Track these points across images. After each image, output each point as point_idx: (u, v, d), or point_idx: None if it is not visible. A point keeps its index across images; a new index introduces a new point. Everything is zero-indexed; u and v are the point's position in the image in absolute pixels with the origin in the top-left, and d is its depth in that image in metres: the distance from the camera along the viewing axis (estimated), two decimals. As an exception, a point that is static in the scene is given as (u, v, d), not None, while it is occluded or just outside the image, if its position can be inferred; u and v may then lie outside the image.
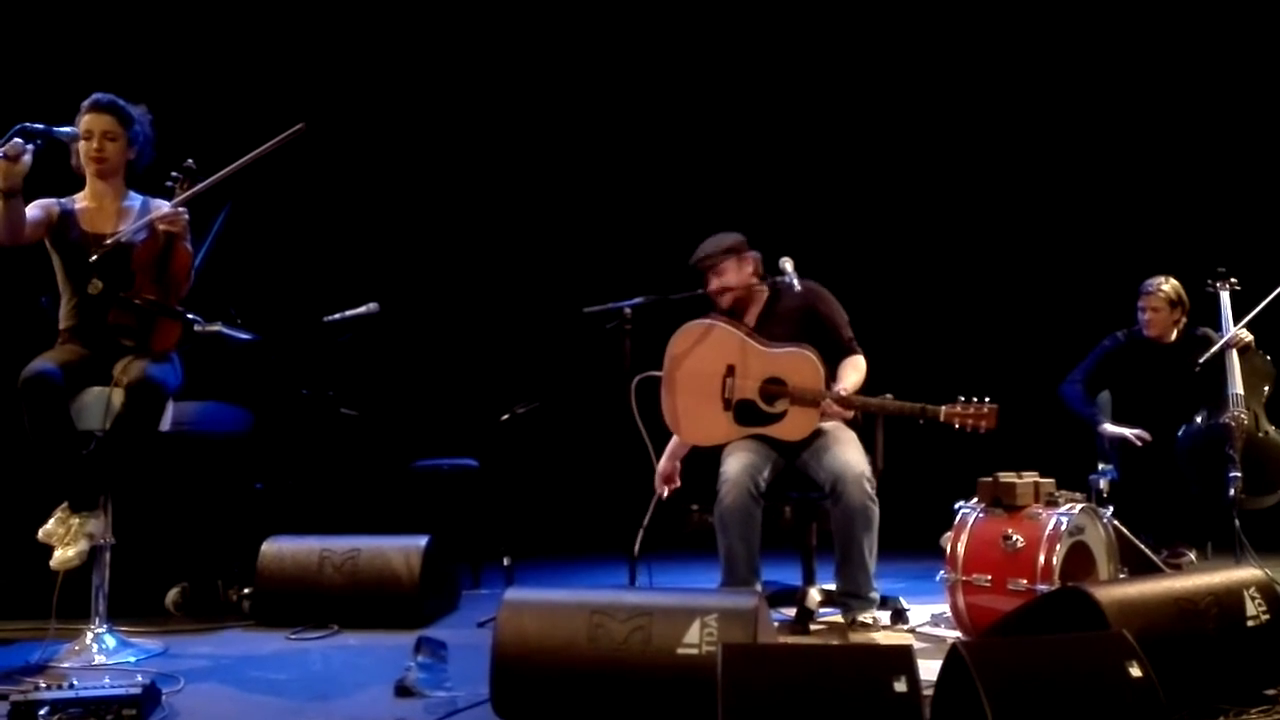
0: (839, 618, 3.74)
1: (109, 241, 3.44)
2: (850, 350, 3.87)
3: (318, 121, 3.64)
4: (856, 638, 3.59)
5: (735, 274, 3.88)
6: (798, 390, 3.69)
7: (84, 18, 5.31)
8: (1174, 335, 4.79)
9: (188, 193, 3.44)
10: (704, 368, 3.79)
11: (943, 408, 3.50)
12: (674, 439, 3.94)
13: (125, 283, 3.44)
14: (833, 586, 3.76)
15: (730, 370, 3.77)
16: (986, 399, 3.47)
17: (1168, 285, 4.74)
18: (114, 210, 3.58)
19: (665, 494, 3.93)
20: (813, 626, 3.74)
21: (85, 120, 3.51)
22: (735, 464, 3.65)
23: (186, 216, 3.47)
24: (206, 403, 4.23)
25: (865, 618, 3.66)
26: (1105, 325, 4.93)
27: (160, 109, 3.70)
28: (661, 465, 3.92)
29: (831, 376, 3.76)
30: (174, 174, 3.47)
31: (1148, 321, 4.76)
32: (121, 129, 3.54)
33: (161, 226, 3.43)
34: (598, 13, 6.20)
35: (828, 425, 3.76)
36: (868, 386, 3.81)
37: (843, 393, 3.66)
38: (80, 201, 3.58)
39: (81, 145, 3.53)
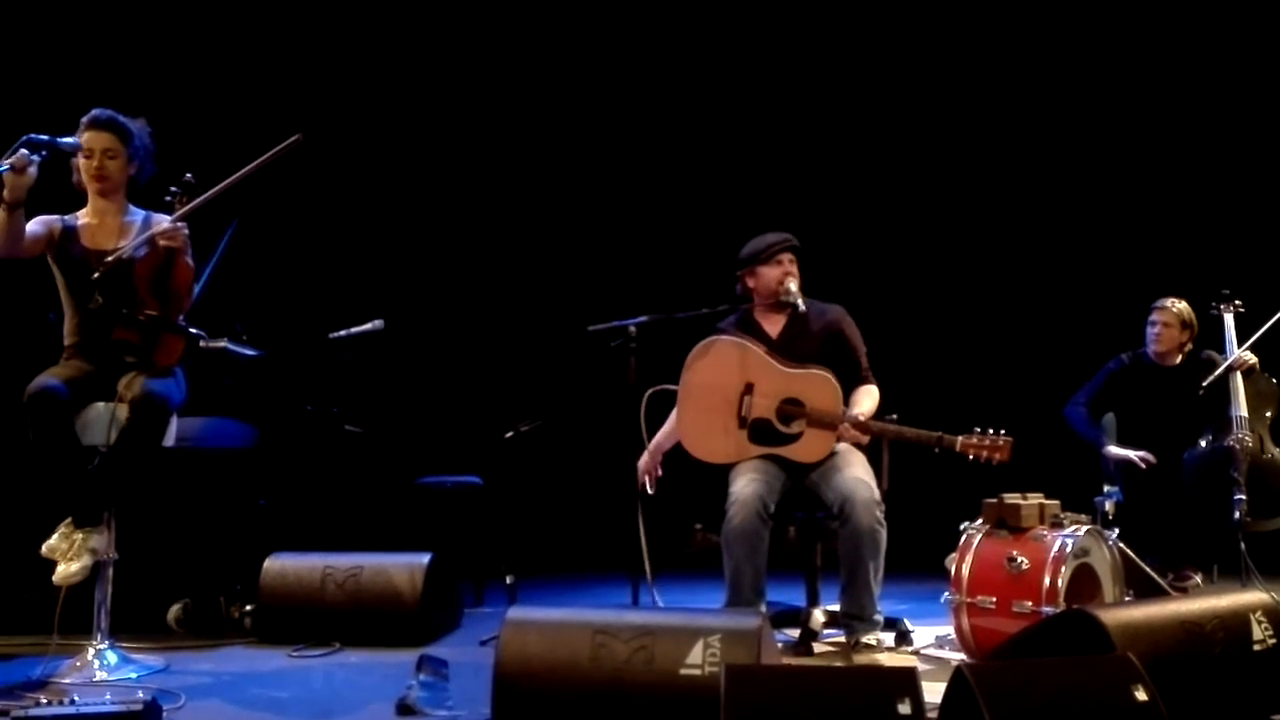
0: (843, 639, 3.73)
1: (110, 258, 3.44)
2: (866, 379, 3.89)
3: (323, 139, 3.66)
4: (860, 659, 3.57)
5: (794, 270, 3.87)
6: (815, 412, 3.68)
7: (83, 30, 5.34)
8: (1179, 358, 4.78)
9: (187, 207, 3.43)
10: (721, 384, 3.77)
11: (959, 438, 3.51)
12: (660, 433, 3.93)
13: (128, 299, 3.45)
14: (837, 607, 3.75)
15: (749, 388, 3.76)
16: (1002, 431, 3.49)
17: (1181, 304, 4.75)
18: (115, 226, 3.58)
19: (649, 487, 3.88)
20: (816, 648, 3.73)
21: (85, 138, 3.51)
22: (745, 485, 3.63)
23: (186, 231, 3.47)
24: (211, 418, 4.23)
25: (869, 639, 3.64)
26: (1110, 348, 4.93)
27: (160, 123, 3.71)
28: (644, 460, 3.88)
29: (844, 402, 3.76)
30: (173, 189, 3.46)
31: (1157, 336, 4.75)
32: (122, 146, 3.54)
33: (162, 242, 3.43)
34: (604, 32, 6.23)
35: (839, 447, 3.75)
36: (876, 410, 3.82)
37: (860, 418, 3.67)
38: (82, 218, 3.59)
39: (82, 163, 3.53)
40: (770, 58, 6.31)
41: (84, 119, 3.52)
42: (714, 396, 3.77)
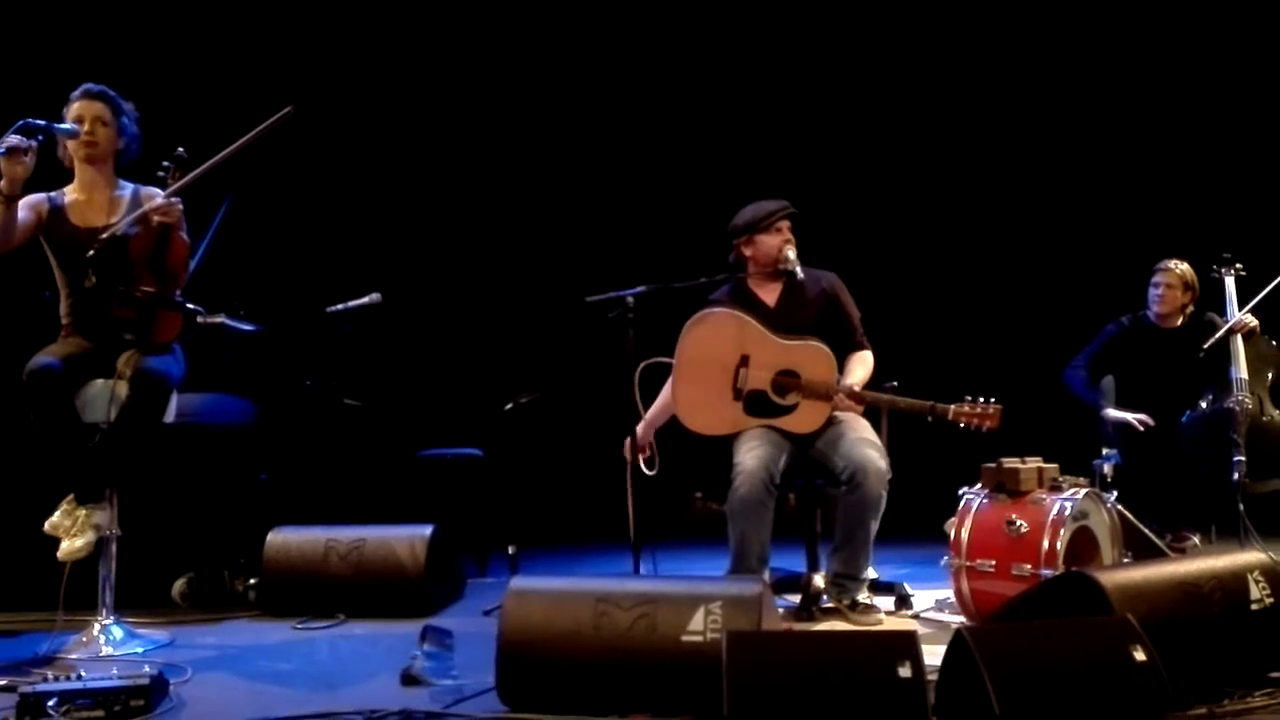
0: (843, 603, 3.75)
1: (104, 235, 3.41)
2: (860, 345, 3.90)
3: (318, 111, 3.63)
4: (859, 618, 3.60)
5: (792, 237, 3.86)
6: (810, 384, 3.69)
7: (71, 7, 5.30)
8: (1180, 320, 4.78)
9: (180, 182, 3.41)
10: (716, 356, 3.76)
11: (951, 406, 3.54)
12: (654, 408, 3.91)
13: (123, 276, 3.43)
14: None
15: (744, 360, 3.75)
16: (992, 400, 3.52)
17: (1183, 266, 4.75)
18: (105, 201, 3.55)
19: (645, 466, 3.84)
20: (817, 613, 3.74)
21: (76, 108, 3.49)
22: (751, 454, 3.62)
23: (181, 206, 3.44)
24: (210, 394, 4.23)
25: (862, 597, 3.67)
26: (1109, 310, 4.93)
27: (152, 98, 3.69)
28: (638, 433, 3.83)
29: (840, 369, 3.77)
30: (165, 163, 3.43)
31: (1160, 297, 4.74)
32: (113, 116, 3.52)
33: (156, 217, 3.40)
34: (599, 3, 6.17)
35: (842, 415, 3.76)
36: (873, 375, 3.83)
37: (854, 388, 3.68)
38: (70, 194, 3.56)
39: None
40: (762, 27, 6.25)
41: (74, 92, 3.51)
42: (709, 369, 3.77)
